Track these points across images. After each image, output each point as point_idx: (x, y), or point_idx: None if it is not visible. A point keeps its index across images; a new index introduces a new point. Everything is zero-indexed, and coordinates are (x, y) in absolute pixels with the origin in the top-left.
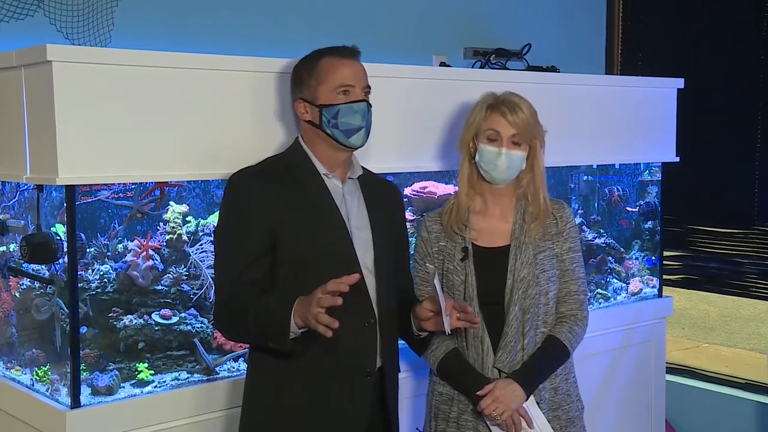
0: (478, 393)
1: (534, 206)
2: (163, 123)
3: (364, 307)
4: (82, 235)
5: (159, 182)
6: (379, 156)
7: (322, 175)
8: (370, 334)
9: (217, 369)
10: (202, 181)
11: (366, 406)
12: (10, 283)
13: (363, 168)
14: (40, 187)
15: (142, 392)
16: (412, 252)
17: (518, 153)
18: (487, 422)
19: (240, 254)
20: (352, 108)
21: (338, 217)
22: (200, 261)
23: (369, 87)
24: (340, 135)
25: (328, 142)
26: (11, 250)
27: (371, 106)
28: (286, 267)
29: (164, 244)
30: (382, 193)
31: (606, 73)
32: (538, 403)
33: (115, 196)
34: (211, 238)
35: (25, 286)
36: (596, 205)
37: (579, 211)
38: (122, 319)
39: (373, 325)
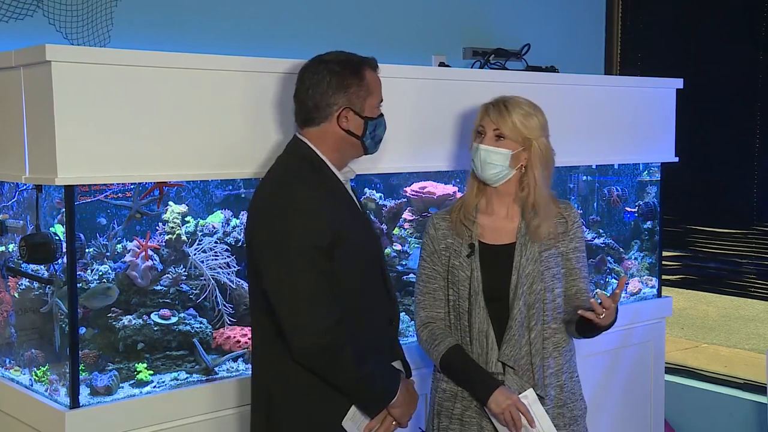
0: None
1: (531, 210)
2: (162, 123)
3: (391, 305)
4: (81, 235)
5: (158, 182)
6: (378, 156)
7: (342, 181)
8: (392, 333)
9: (216, 369)
10: (201, 181)
11: None
12: (9, 284)
13: None
14: (39, 187)
15: (141, 392)
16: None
17: (498, 150)
18: (492, 419)
19: (325, 278)
20: (383, 121)
21: (365, 218)
22: (200, 261)
23: None
24: (372, 145)
25: (356, 151)
26: (10, 250)
27: None
28: (338, 273)
29: (163, 244)
30: (355, 192)
31: (605, 74)
32: (542, 398)
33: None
34: (212, 239)
35: (24, 287)
36: (595, 205)
37: (578, 211)
38: (121, 320)
39: (394, 326)
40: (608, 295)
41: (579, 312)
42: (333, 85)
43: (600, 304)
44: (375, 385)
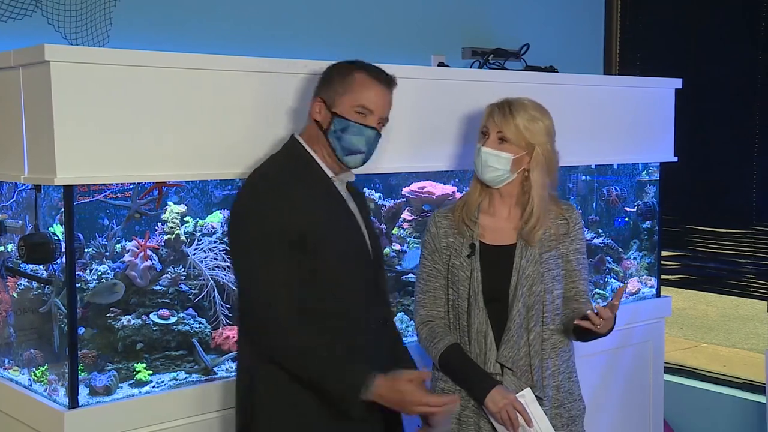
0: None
1: (528, 214)
2: (161, 123)
3: (386, 306)
4: (80, 235)
5: (157, 182)
6: (378, 156)
7: (331, 178)
8: (390, 333)
9: (215, 369)
10: (200, 181)
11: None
12: (8, 284)
13: None
14: (38, 187)
15: (140, 392)
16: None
17: (499, 153)
18: (489, 418)
19: (287, 270)
20: (361, 130)
21: (355, 218)
22: (199, 261)
23: (387, 120)
24: (339, 149)
25: (327, 150)
26: (9, 250)
27: (380, 137)
28: (318, 271)
29: (162, 244)
30: (360, 197)
31: (604, 73)
32: (541, 399)
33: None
34: (211, 239)
35: (23, 287)
36: (594, 205)
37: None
38: (120, 319)
39: (388, 326)
40: (606, 303)
41: (575, 322)
42: (321, 79)
43: (597, 314)
44: (331, 372)
